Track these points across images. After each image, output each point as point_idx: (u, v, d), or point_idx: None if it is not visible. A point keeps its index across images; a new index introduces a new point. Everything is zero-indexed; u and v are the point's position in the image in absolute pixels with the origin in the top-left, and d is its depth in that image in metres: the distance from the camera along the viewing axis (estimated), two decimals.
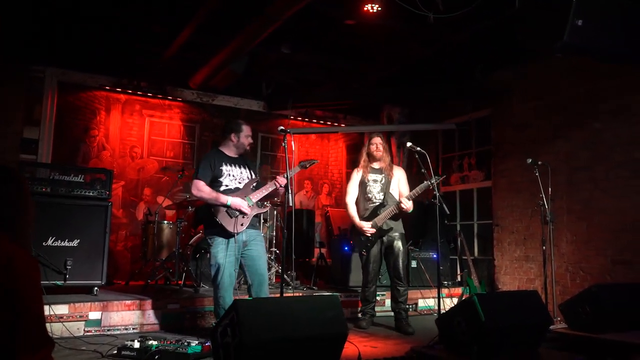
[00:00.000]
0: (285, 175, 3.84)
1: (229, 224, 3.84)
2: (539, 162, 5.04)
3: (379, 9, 4.73)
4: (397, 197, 4.80)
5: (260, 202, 4.05)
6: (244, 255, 3.96)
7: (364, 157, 4.95)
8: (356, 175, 4.95)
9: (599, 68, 5.62)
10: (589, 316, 4.01)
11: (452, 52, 6.34)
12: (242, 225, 3.90)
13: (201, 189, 3.88)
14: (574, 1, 3.66)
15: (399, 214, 4.71)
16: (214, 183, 3.96)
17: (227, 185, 4.00)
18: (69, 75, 6.75)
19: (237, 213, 3.87)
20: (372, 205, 4.80)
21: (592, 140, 5.74)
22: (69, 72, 6.74)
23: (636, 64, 4.59)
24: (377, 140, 4.90)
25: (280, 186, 3.97)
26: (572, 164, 5.92)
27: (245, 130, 4.14)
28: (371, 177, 4.87)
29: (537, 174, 5.02)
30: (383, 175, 4.87)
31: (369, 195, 4.83)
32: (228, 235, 3.86)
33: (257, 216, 4.16)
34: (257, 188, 4.07)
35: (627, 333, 3.79)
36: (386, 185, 4.83)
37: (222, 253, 3.85)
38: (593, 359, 3.56)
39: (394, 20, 5.37)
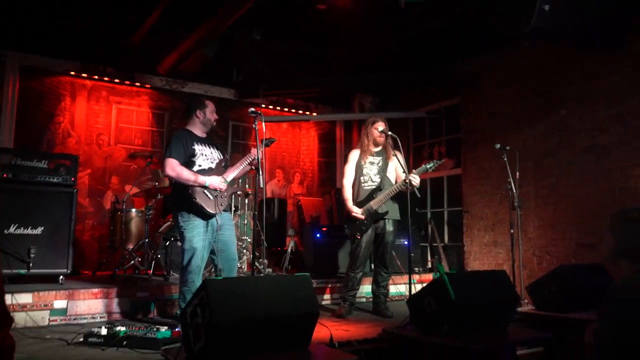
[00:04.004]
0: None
1: (209, 205, 3.77)
2: (507, 148, 5.11)
3: None
4: (393, 181, 4.72)
5: (233, 181, 4.03)
6: (216, 240, 3.88)
7: (366, 140, 4.76)
8: (354, 157, 4.81)
9: (565, 55, 5.75)
10: (555, 296, 4.11)
11: (424, 40, 6.38)
12: (221, 205, 3.85)
13: (176, 168, 3.77)
14: None
15: (398, 194, 4.59)
16: (188, 162, 3.86)
17: (200, 165, 3.91)
18: (32, 60, 6.53)
19: (216, 193, 3.82)
20: (368, 187, 4.68)
21: (558, 126, 5.86)
22: (31, 57, 6.51)
23: (601, 48, 4.71)
24: (382, 126, 4.69)
25: (254, 158, 3.92)
26: (539, 149, 6.04)
27: (210, 105, 4.07)
28: (369, 159, 4.74)
29: (505, 160, 5.09)
30: (381, 157, 4.74)
31: (365, 177, 4.71)
32: (206, 217, 3.80)
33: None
34: (227, 167, 4.04)
35: (590, 312, 3.88)
36: (383, 167, 4.71)
37: (198, 237, 3.77)
38: (559, 337, 3.65)
39: (365, 5, 5.37)
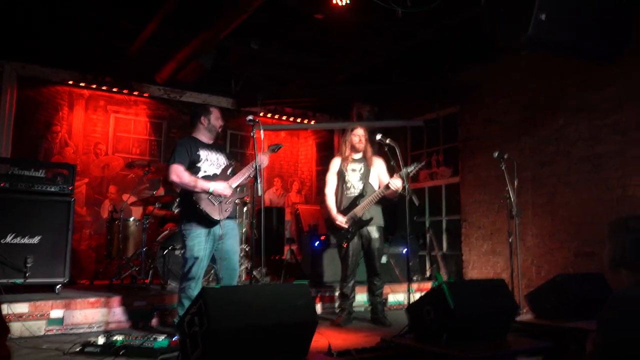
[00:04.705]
0: (254, 166, 3.78)
1: (213, 211, 3.74)
2: (505, 156, 5.11)
3: (348, 2, 4.73)
4: (376, 187, 4.71)
5: (238, 188, 4.01)
6: (217, 248, 3.86)
7: (346, 147, 4.80)
8: (335, 165, 4.84)
9: (563, 65, 5.78)
10: (553, 305, 4.09)
11: (422, 50, 6.41)
12: (226, 211, 3.82)
13: (180, 174, 3.74)
14: None
15: (382, 199, 4.60)
16: (192, 169, 3.84)
17: (205, 171, 3.89)
18: (30, 70, 6.55)
19: (221, 199, 3.79)
20: (351, 195, 4.68)
21: (555, 136, 5.89)
22: (29, 66, 6.53)
23: (598, 59, 4.72)
24: (360, 132, 4.78)
25: (264, 163, 3.98)
26: (536, 159, 6.05)
27: (214, 112, 4.06)
28: (350, 166, 4.75)
29: (503, 168, 5.07)
30: (362, 164, 4.76)
31: (348, 184, 4.72)
32: (210, 224, 3.77)
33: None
34: (233, 173, 4.00)
35: (589, 321, 3.87)
36: (365, 174, 4.71)
37: (199, 246, 3.75)
38: (559, 346, 3.63)
39: (363, 15, 5.39)
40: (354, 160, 4.79)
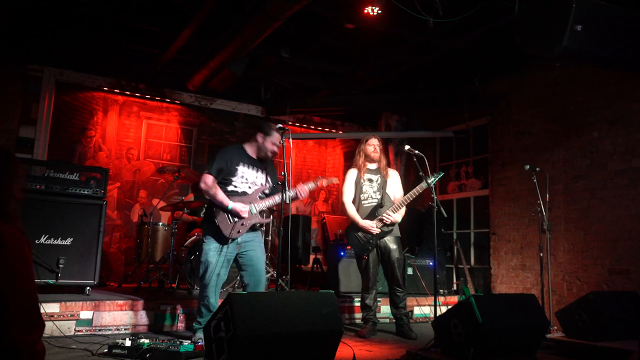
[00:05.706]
0: (283, 174, 3.77)
1: (226, 228, 3.75)
2: (537, 169, 5.00)
3: (380, 11, 4.74)
4: (392, 197, 4.70)
5: (263, 212, 3.94)
6: (242, 255, 3.87)
7: (360, 157, 4.79)
8: (352, 176, 4.80)
9: (597, 76, 5.66)
10: (586, 323, 3.97)
11: (451, 59, 6.37)
12: (238, 232, 3.80)
13: (209, 185, 3.76)
14: (573, 7, 3.68)
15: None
16: (224, 180, 3.84)
17: (235, 187, 3.87)
18: (67, 75, 6.74)
19: (237, 218, 3.80)
20: (369, 205, 4.66)
21: (590, 148, 5.74)
22: (67, 72, 6.72)
23: (633, 70, 4.61)
24: (375, 142, 4.78)
25: (301, 195, 3.86)
26: (570, 172, 5.91)
27: (274, 136, 3.90)
28: (367, 176, 4.72)
29: (535, 181, 4.96)
30: (379, 175, 4.73)
31: (365, 195, 4.70)
32: (222, 239, 3.79)
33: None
34: (267, 196, 3.96)
35: (624, 341, 3.74)
36: (383, 185, 4.69)
37: (214, 251, 3.78)
38: None
39: (394, 25, 5.39)
40: (370, 171, 4.77)
